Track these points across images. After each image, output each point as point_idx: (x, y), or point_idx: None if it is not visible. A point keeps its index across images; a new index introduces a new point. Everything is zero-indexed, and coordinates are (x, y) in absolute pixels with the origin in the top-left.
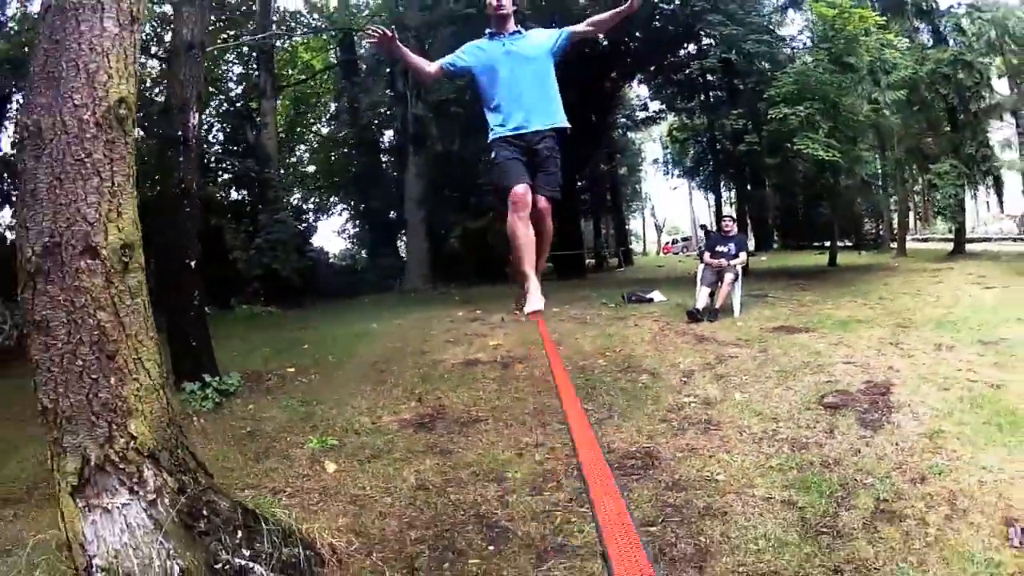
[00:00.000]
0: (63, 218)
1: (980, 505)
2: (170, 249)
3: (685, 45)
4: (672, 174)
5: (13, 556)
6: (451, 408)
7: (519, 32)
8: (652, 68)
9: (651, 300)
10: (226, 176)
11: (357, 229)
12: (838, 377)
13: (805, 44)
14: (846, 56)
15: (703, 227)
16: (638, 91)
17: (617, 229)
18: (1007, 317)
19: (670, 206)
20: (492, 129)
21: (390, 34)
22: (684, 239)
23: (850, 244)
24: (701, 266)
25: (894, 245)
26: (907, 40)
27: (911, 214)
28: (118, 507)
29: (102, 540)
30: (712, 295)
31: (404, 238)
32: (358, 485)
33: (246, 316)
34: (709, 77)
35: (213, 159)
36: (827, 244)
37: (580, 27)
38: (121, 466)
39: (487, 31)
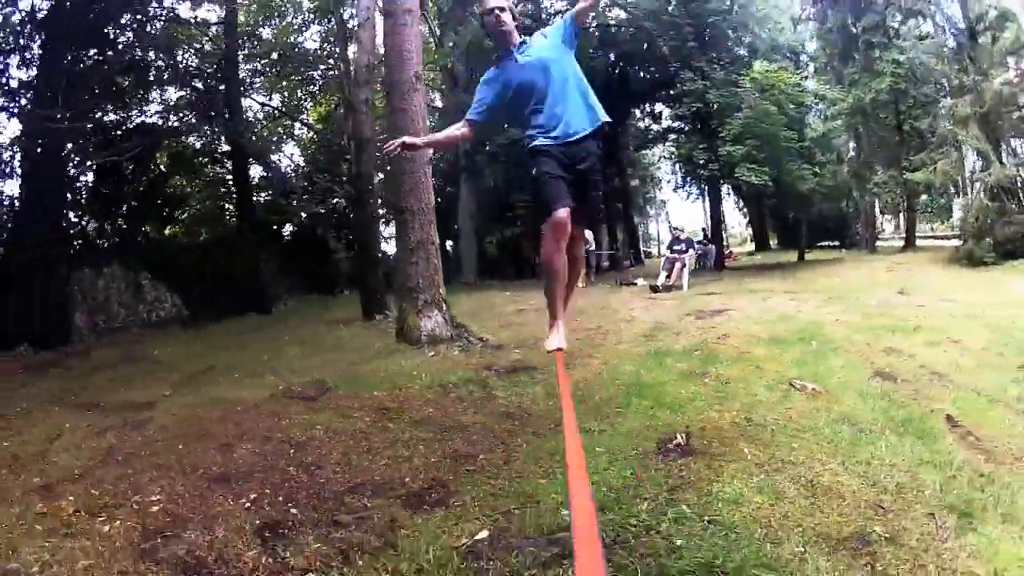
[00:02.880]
0: (412, 199)
1: (722, 330)
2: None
3: (670, 89)
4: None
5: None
6: (516, 321)
7: (525, 42)
8: (649, 101)
9: (635, 284)
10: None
11: None
12: (705, 307)
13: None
14: (783, 106)
15: (703, 231)
16: (642, 118)
17: (629, 234)
18: (878, 287)
19: (691, 214)
20: (531, 135)
21: (407, 141)
22: (699, 242)
23: (836, 244)
24: (663, 257)
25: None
26: (826, 86)
27: (902, 215)
28: (434, 315)
29: (425, 326)
30: (668, 276)
31: (453, 243)
32: (484, 332)
33: (346, 300)
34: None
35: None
36: (822, 244)
37: (579, 5)
38: (438, 302)
39: (495, 56)
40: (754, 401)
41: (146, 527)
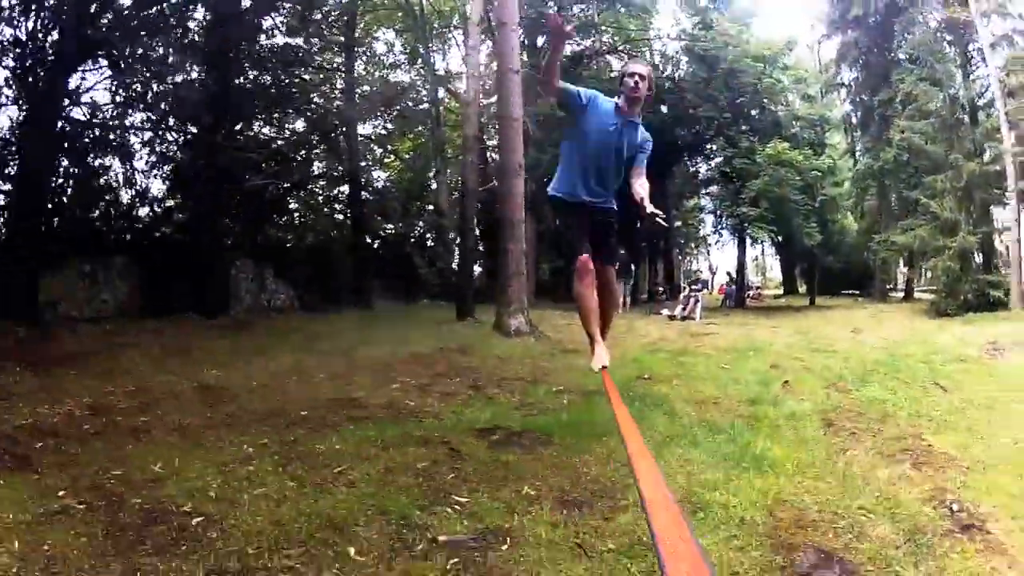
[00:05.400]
0: (511, 241)
1: (702, 343)
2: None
3: (707, 147)
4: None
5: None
6: (568, 327)
7: (636, 122)
8: (691, 155)
9: (662, 313)
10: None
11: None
12: (701, 332)
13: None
14: (793, 175)
15: (728, 274)
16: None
17: (667, 269)
18: (844, 327)
19: (730, 254)
20: (557, 182)
21: (568, 29)
22: (726, 284)
23: (856, 293)
24: (683, 293)
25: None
26: (832, 157)
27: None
28: (519, 317)
29: (514, 323)
30: (684, 308)
31: None
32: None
33: (429, 307)
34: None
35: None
36: (846, 292)
37: (636, 177)
38: (524, 309)
39: (616, 103)
40: (692, 369)
41: (414, 386)
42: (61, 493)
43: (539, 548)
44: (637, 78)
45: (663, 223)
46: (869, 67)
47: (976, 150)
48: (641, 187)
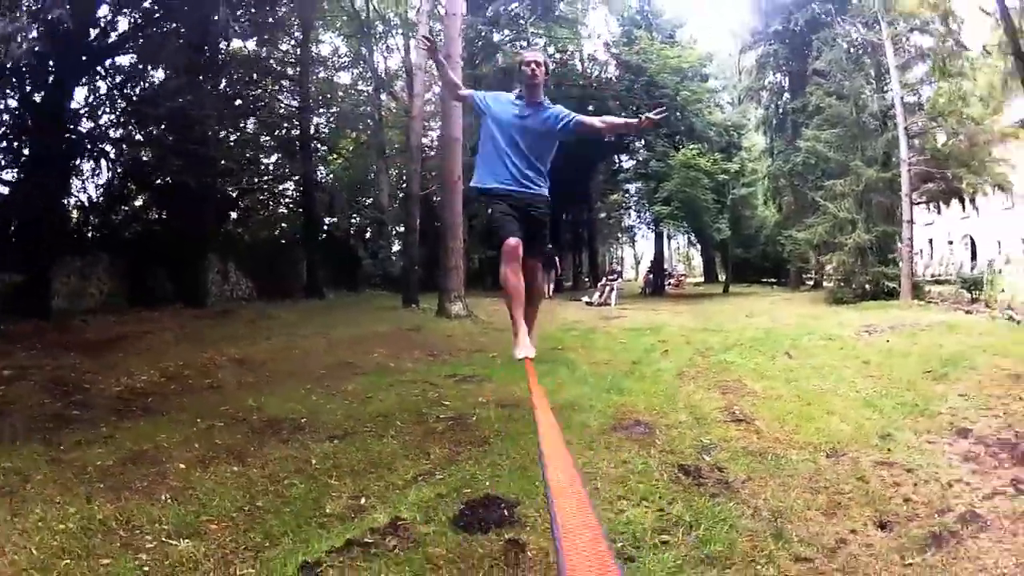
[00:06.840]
0: (451, 239)
1: (610, 324)
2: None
3: (629, 146)
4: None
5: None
6: (497, 312)
7: (542, 104)
8: (613, 153)
9: (581, 300)
10: (358, 218)
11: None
12: (611, 314)
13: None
14: (702, 179)
15: (651, 262)
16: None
17: (591, 260)
18: (740, 312)
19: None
20: (479, 175)
21: (432, 42)
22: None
23: (773, 281)
24: (601, 282)
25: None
26: (733, 165)
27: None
28: (458, 304)
29: (453, 308)
30: (600, 295)
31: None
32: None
33: (372, 295)
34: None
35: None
36: (764, 280)
37: (590, 121)
38: (461, 297)
39: (517, 93)
40: (595, 342)
41: (388, 354)
42: (198, 420)
43: (491, 420)
44: (533, 65)
45: (657, 117)
46: (790, 75)
47: (880, 158)
48: (603, 120)
